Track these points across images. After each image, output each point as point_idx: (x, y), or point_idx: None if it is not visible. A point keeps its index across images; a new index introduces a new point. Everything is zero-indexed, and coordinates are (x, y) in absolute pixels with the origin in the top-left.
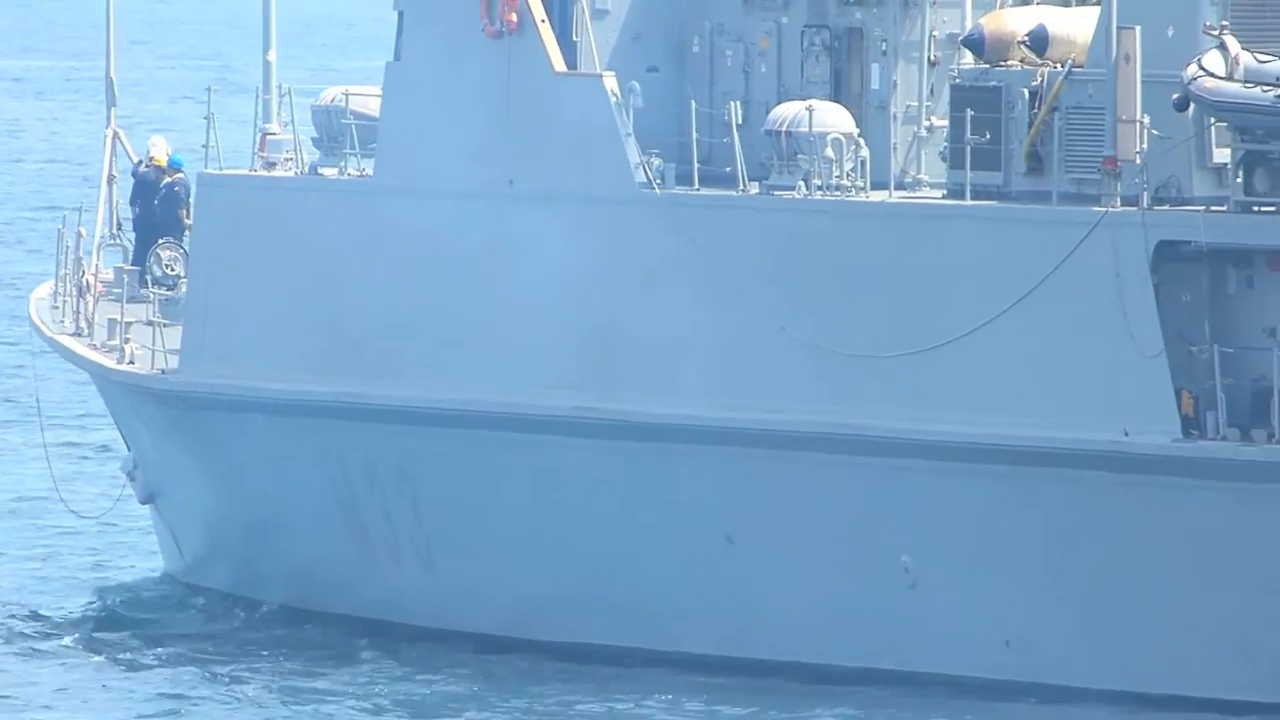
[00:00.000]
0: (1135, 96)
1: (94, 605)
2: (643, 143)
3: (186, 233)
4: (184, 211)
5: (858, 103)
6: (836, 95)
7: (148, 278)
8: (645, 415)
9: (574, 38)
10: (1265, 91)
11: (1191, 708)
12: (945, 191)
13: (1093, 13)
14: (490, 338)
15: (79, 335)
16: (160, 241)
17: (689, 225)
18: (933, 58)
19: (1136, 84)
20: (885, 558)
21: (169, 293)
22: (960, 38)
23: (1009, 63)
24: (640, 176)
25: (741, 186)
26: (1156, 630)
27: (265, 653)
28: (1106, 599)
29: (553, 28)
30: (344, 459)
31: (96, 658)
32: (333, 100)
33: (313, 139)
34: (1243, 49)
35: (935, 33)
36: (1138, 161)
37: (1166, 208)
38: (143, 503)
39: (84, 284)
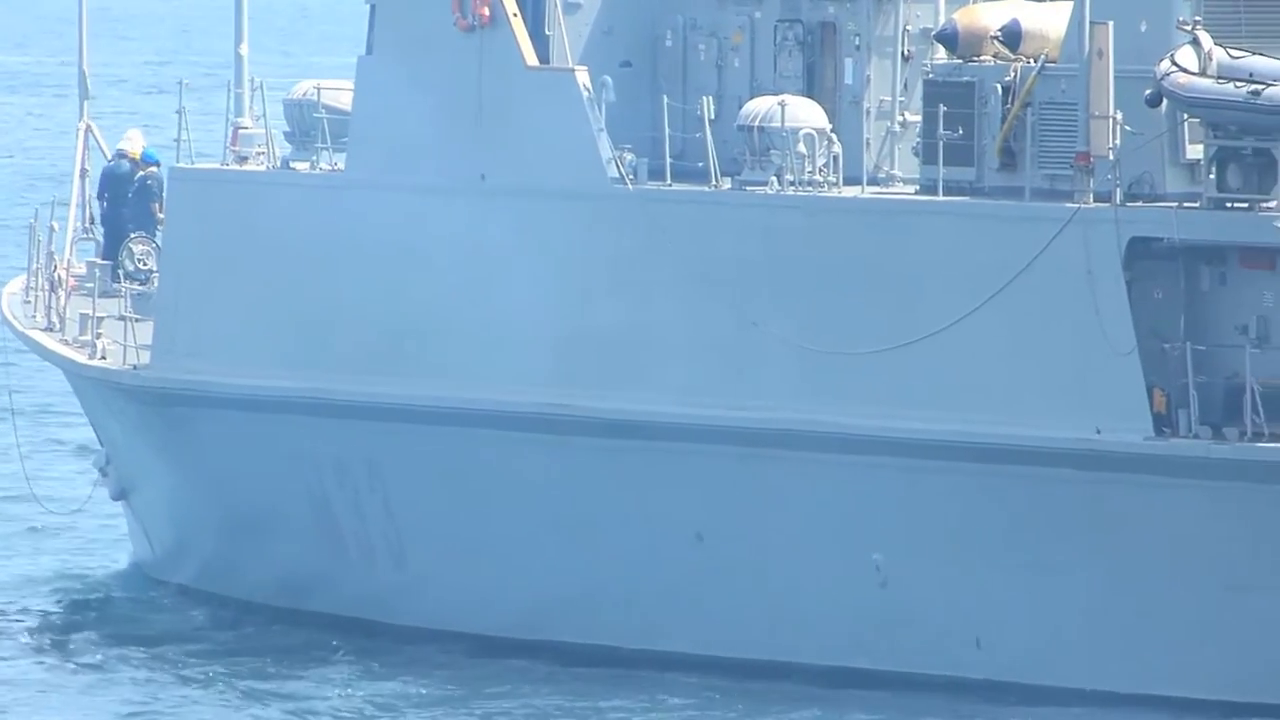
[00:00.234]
0: (1108, 92)
1: (64, 602)
2: (615, 138)
3: (159, 227)
4: (157, 206)
5: (831, 98)
6: (810, 90)
7: (120, 272)
8: (616, 412)
9: (546, 32)
10: (1238, 87)
11: (1162, 706)
12: (918, 187)
13: (1066, 8)
14: (462, 333)
15: (51, 330)
16: (132, 236)
17: (661, 221)
18: (906, 53)
19: (1109, 80)
20: (857, 556)
21: (141, 287)
22: (934, 32)
23: (982, 58)
24: (612, 172)
25: (714, 182)
26: (1128, 629)
27: (235, 650)
28: (1078, 598)
29: (525, 22)
30: (316, 455)
31: (66, 654)
32: (305, 94)
33: (285, 133)
34: (1216, 44)
35: (909, 27)
36: (1110, 157)
37: (1139, 204)
38: (115, 499)
39: (56, 278)
